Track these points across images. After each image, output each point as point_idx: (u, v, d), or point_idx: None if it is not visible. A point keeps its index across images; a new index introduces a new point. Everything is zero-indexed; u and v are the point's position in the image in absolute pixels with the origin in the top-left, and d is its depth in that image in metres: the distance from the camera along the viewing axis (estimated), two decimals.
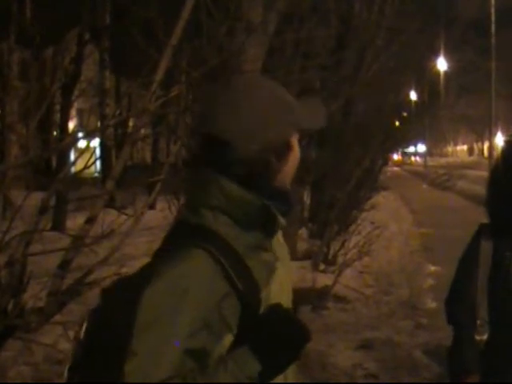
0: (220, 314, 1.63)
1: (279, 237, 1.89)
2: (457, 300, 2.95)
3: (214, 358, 1.62)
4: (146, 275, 1.68)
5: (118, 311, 1.68)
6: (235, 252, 1.68)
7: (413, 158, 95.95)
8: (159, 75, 3.90)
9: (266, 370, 1.61)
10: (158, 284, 1.63)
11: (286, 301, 1.84)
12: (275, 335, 1.64)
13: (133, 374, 1.56)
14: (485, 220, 2.97)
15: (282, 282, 1.83)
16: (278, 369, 1.66)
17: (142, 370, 1.57)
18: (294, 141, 1.80)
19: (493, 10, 31.41)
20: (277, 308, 1.69)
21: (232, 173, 1.71)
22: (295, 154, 1.80)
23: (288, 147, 1.77)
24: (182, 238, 1.71)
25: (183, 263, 1.64)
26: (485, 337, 2.79)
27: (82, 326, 1.77)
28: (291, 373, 1.87)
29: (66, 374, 1.77)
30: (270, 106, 1.75)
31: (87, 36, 20.97)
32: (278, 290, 1.78)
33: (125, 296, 1.69)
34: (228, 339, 1.65)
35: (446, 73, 51.77)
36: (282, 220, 1.75)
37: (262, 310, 1.69)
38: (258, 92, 1.78)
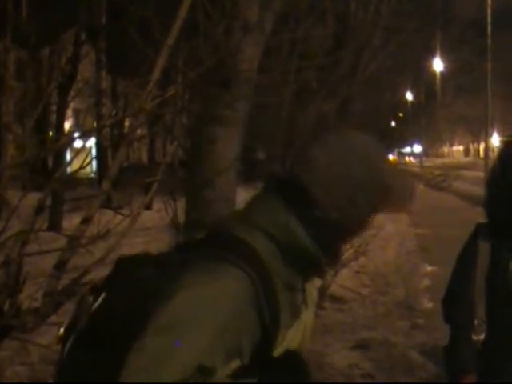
0: (239, 339, 1.60)
1: (315, 282, 1.88)
2: (454, 300, 2.95)
3: (218, 376, 1.57)
4: (168, 274, 1.66)
5: (130, 300, 1.67)
6: (272, 283, 1.63)
7: (407, 158, 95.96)
8: (156, 75, 3.88)
9: None
10: (188, 293, 1.60)
11: (302, 344, 1.80)
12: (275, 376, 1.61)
13: (138, 369, 1.54)
14: (481, 220, 2.97)
15: (303, 327, 1.79)
16: None
17: (149, 367, 1.54)
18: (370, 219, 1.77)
19: (489, 11, 31.43)
20: (295, 357, 1.68)
21: (303, 218, 1.67)
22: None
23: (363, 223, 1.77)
24: (218, 246, 1.66)
25: (221, 279, 1.61)
26: (482, 337, 2.80)
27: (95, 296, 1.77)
28: None
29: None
30: (366, 184, 1.70)
31: (83, 36, 20.95)
32: (295, 335, 1.74)
33: (138, 286, 1.68)
34: (235, 364, 1.61)
35: (442, 73, 51.82)
36: (326, 270, 1.76)
37: (275, 349, 1.65)
38: (360, 161, 1.71)
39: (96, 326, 1.72)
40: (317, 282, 1.89)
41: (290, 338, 1.70)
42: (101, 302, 1.75)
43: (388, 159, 1.84)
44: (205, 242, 1.72)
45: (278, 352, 1.66)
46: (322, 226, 1.66)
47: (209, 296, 1.59)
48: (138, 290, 1.68)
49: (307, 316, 1.80)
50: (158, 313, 1.58)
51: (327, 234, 1.68)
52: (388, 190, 1.71)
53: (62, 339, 1.79)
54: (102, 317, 1.71)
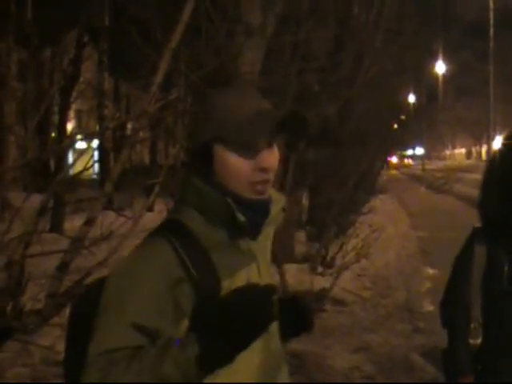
0: (174, 299, 1.73)
1: (265, 244, 1.98)
2: (451, 303, 2.97)
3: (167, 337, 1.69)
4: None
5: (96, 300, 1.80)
6: (198, 243, 1.79)
7: (406, 161, 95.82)
8: (159, 78, 3.91)
9: (205, 353, 1.62)
10: (119, 268, 1.80)
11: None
12: (220, 319, 1.66)
13: (89, 347, 1.70)
14: (479, 223, 2.98)
15: (257, 270, 1.89)
16: (219, 354, 1.65)
17: (95, 341, 1.69)
18: (218, 151, 1.83)
19: (491, 15, 31.45)
20: (233, 293, 1.72)
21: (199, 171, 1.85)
22: (224, 164, 1.83)
23: (207, 154, 1.83)
24: (155, 230, 1.85)
25: (142, 249, 1.80)
26: (478, 340, 2.81)
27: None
28: (283, 374, 1.94)
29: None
30: (199, 112, 1.88)
31: (86, 38, 20.97)
32: (250, 278, 1.84)
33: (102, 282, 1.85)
34: (184, 324, 1.73)
35: (444, 75, 51.82)
36: (242, 219, 1.80)
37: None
38: (212, 96, 1.88)
39: (76, 325, 1.91)
40: (266, 244, 1.99)
41: (242, 281, 1.80)
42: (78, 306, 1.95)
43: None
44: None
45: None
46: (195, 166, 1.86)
47: (134, 265, 1.77)
48: (100, 284, 1.85)
49: (256, 268, 1.90)
50: (101, 296, 1.76)
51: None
52: (220, 114, 1.83)
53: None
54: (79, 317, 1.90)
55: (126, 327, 1.69)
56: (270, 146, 1.84)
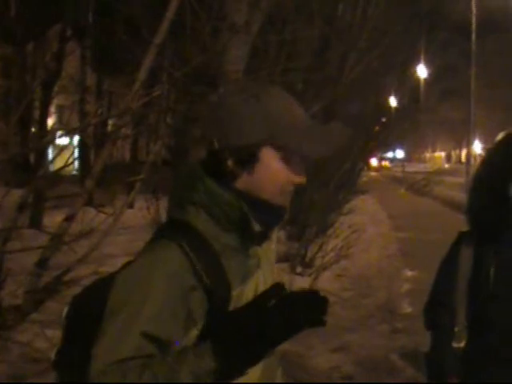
0: (186, 307, 1.67)
1: (270, 248, 1.94)
2: (436, 305, 2.96)
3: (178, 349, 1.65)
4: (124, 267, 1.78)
5: (98, 301, 1.74)
6: (210, 249, 1.72)
7: (384, 163, 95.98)
8: (142, 74, 3.88)
9: (222, 368, 1.59)
10: (128, 271, 1.72)
11: None
12: (239, 334, 1.63)
13: (97, 354, 1.63)
14: (462, 226, 2.98)
15: (255, 286, 1.82)
16: (234, 369, 1.62)
17: (106, 349, 1.63)
18: (266, 155, 1.75)
19: (474, 19, 31.61)
20: (248, 307, 1.70)
21: (213, 172, 1.76)
22: (266, 169, 1.76)
23: (251, 156, 1.74)
24: (163, 232, 1.79)
25: (153, 254, 1.71)
26: (462, 344, 2.81)
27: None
28: (279, 373, 1.93)
29: (52, 356, 1.85)
30: (244, 109, 1.75)
31: (69, 32, 20.86)
32: (253, 296, 1.78)
33: (105, 288, 1.76)
34: (193, 333, 1.68)
35: (426, 77, 52.00)
36: (257, 227, 1.76)
37: (231, 308, 1.72)
38: (242, 96, 1.77)
39: (72, 328, 1.84)
40: (271, 250, 1.96)
41: (247, 295, 1.76)
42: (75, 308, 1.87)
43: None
44: (152, 234, 1.86)
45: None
46: (216, 168, 1.77)
47: (144, 270, 1.70)
48: (102, 286, 1.80)
49: (261, 275, 1.86)
50: (108, 299, 1.69)
51: (223, 177, 1.76)
52: (275, 117, 1.75)
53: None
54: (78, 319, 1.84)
55: (138, 336, 1.63)
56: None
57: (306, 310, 1.86)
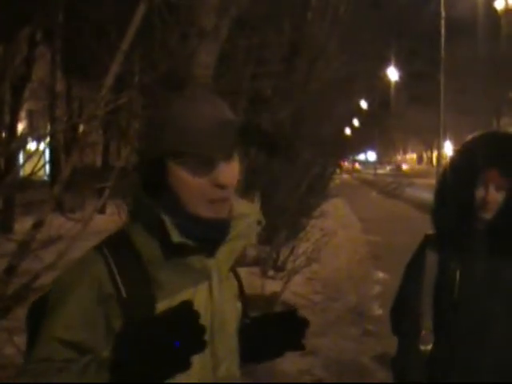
0: (105, 315, 1.68)
1: (228, 259, 1.84)
2: (401, 310, 2.97)
3: (98, 354, 1.61)
4: None
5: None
6: (137, 260, 1.72)
7: (355, 165, 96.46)
8: (109, 80, 3.87)
9: (118, 379, 1.53)
10: (57, 278, 1.79)
11: (215, 309, 1.80)
12: (137, 349, 1.52)
13: (24, 355, 1.79)
14: (430, 229, 2.99)
15: (206, 295, 1.78)
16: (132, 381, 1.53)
17: (28, 351, 1.75)
18: (173, 166, 1.71)
19: (443, 23, 31.83)
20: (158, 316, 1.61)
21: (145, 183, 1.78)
22: (177, 180, 1.72)
23: (161, 169, 1.72)
24: (99, 242, 1.80)
25: (78, 263, 1.77)
26: (429, 347, 2.81)
27: None
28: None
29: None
30: (156, 120, 1.75)
31: (39, 36, 20.70)
32: (199, 301, 1.72)
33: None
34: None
35: (396, 82, 52.37)
36: (176, 238, 1.69)
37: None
38: (165, 104, 1.77)
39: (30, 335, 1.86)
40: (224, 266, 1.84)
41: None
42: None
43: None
44: None
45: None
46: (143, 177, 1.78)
47: (66, 279, 1.75)
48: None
49: (215, 287, 1.79)
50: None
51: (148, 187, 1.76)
52: (175, 126, 1.71)
53: None
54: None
55: (53, 341, 1.66)
56: (227, 159, 1.72)
57: (285, 333, 1.89)
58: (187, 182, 1.70)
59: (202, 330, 1.52)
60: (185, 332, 1.51)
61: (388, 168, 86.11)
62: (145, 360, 1.51)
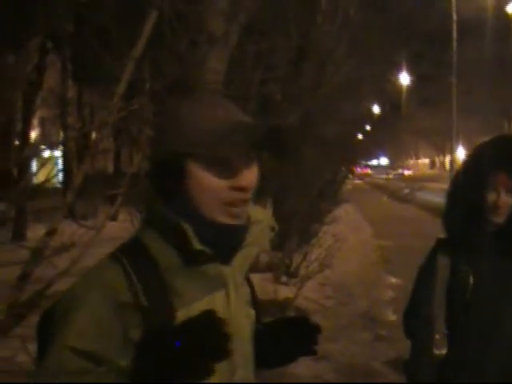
0: (122, 324, 1.64)
1: (243, 265, 1.83)
2: (414, 315, 2.97)
3: (115, 366, 1.61)
4: None
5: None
6: (155, 268, 1.69)
7: (366, 171, 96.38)
8: (121, 88, 3.90)
9: None
10: (71, 286, 1.73)
11: (230, 316, 1.76)
12: (156, 359, 1.53)
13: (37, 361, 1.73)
14: (442, 233, 2.99)
15: (221, 302, 1.77)
16: None
17: (42, 364, 1.68)
18: (192, 167, 1.68)
19: (455, 26, 31.76)
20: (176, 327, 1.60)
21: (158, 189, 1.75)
22: (196, 183, 1.69)
23: (178, 171, 1.69)
24: (114, 250, 1.76)
25: (93, 271, 1.73)
26: (444, 351, 2.80)
27: None
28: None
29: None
30: (167, 123, 1.74)
31: (49, 44, 20.82)
32: (220, 308, 1.71)
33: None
34: (132, 352, 1.62)
35: (407, 85, 52.25)
36: (197, 246, 1.66)
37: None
38: (179, 107, 1.75)
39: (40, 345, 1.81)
40: (239, 273, 1.82)
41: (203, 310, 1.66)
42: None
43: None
44: None
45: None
46: (156, 183, 1.74)
47: (80, 287, 1.71)
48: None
49: (232, 295, 1.79)
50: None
51: (164, 193, 1.73)
52: (192, 127, 1.70)
53: None
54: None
55: (65, 350, 1.62)
56: (248, 161, 1.70)
57: (298, 339, 1.88)
58: (207, 184, 1.67)
59: (226, 337, 1.52)
60: (210, 340, 1.52)
61: (392, 174, 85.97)
62: (168, 368, 1.52)
